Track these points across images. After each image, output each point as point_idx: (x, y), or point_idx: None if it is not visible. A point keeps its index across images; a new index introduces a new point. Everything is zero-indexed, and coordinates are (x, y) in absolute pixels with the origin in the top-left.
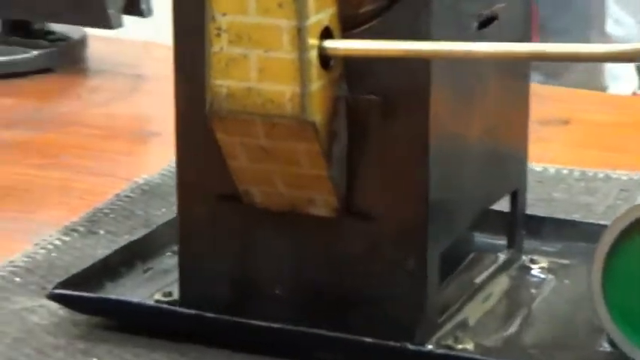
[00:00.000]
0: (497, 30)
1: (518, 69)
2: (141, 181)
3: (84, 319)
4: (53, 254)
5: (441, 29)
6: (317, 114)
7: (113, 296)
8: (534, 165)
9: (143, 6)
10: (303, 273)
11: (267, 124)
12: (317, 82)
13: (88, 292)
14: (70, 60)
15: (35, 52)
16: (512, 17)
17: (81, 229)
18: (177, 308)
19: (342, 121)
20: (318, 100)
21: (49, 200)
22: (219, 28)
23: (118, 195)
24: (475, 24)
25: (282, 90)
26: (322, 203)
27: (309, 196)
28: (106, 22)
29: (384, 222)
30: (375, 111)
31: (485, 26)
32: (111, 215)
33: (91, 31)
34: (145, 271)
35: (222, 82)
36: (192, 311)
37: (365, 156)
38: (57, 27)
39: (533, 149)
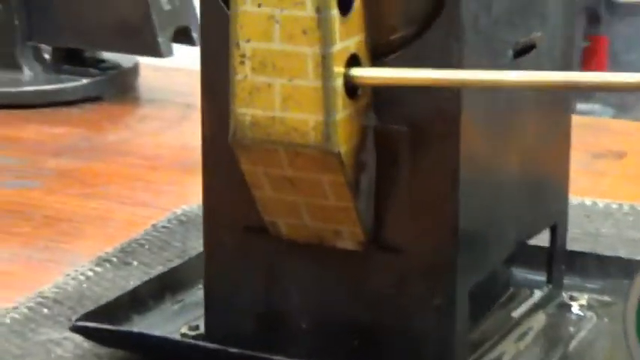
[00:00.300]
0: (536, 59)
1: (558, 99)
2: (179, 212)
3: (108, 352)
4: (84, 285)
5: (474, 57)
6: (342, 144)
7: (136, 329)
8: (584, 199)
9: (193, 35)
10: (330, 307)
11: (291, 154)
12: (342, 112)
13: (112, 324)
14: (120, 88)
15: (85, 81)
16: (552, 47)
17: (114, 260)
18: (200, 342)
19: (369, 152)
20: (343, 129)
21: (87, 231)
22: (243, 55)
23: (154, 226)
24: (511, 52)
25: (305, 119)
26: (349, 236)
27: (335, 228)
28: (156, 51)
29: (412, 256)
30: (404, 141)
31: (523, 55)
32: (146, 246)
33: (142, 60)
34: (175, 304)
35: (246, 111)
36: (216, 346)
37: (393, 188)
38: (109, 55)
39: (585, 183)
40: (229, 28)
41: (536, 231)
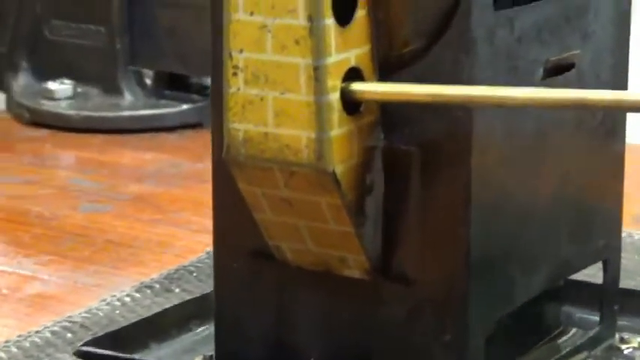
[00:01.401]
0: (577, 79)
1: (608, 122)
2: None
3: None
4: (117, 311)
5: (490, 74)
6: (338, 163)
7: (142, 357)
8: None
9: None
10: (338, 339)
11: (286, 173)
12: (339, 129)
13: (124, 351)
14: None
15: (185, 107)
16: (598, 66)
17: (156, 286)
18: None
19: (377, 174)
20: (340, 147)
21: (144, 256)
22: (236, 67)
23: (208, 252)
24: (541, 71)
25: (298, 135)
26: (354, 264)
27: (340, 255)
28: None
29: (422, 287)
30: (414, 163)
31: (557, 74)
32: (194, 274)
33: None
34: (200, 333)
35: (239, 126)
36: None
37: (402, 212)
38: None
39: None
40: (223, 38)
41: (579, 267)
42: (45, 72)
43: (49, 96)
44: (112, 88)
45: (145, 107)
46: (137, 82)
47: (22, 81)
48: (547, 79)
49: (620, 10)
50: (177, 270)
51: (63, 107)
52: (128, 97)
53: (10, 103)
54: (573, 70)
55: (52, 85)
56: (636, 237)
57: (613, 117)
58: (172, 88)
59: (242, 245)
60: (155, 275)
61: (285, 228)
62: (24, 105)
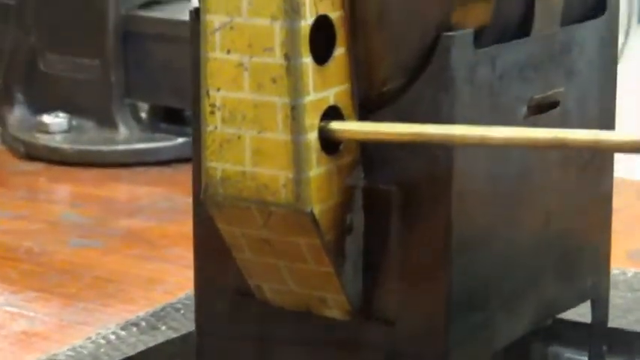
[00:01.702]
0: (561, 118)
1: (595, 159)
2: None
3: None
4: (101, 349)
5: (472, 113)
6: (317, 203)
7: None
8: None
9: None
10: None
11: (264, 213)
12: (317, 168)
13: None
14: None
15: (180, 140)
16: (583, 104)
17: (143, 323)
18: None
19: (357, 213)
20: (318, 187)
21: (133, 293)
22: (213, 105)
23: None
24: (523, 109)
25: (276, 175)
26: (334, 304)
27: (320, 295)
28: None
29: (402, 328)
30: (394, 203)
31: (541, 112)
32: (181, 311)
33: None
34: None
35: (217, 165)
36: None
37: (382, 253)
38: None
39: None
40: (199, 76)
41: (566, 307)
42: (40, 105)
43: (44, 129)
44: (107, 122)
45: (139, 141)
46: (132, 115)
47: (17, 114)
48: (531, 118)
49: (605, 48)
50: (164, 307)
51: (58, 141)
52: (123, 131)
53: (6, 136)
54: (558, 109)
55: (47, 119)
56: (629, 274)
57: (600, 154)
58: (167, 121)
59: (223, 284)
60: (142, 312)
61: (265, 268)
62: (19, 139)
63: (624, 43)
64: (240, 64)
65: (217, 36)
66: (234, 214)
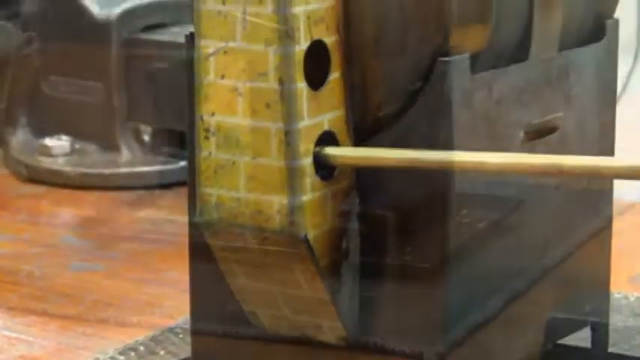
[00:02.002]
0: (560, 143)
1: (595, 184)
2: None
3: None
4: None
5: (470, 138)
6: (311, 229)
7: None
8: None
9: None
10: None
11: (259, 239)
12: (312, 194)
13: None
14: None
15: (182, 163)
16: (582, 129)
17: (141, 348)
18: None
19: (352, 239)
20: (313, 213)
21: (132, 317)
22: (207, 130)
23: None
24: (521, 135)
25: (270, 201)
26: (330, 331)
27: (315, 321)
28: None
29: (398, 355)
30: (390, 229)
31: (539, 138)
32: (180, 335)
33: None
34: None
35: (212, 190)
36: None
37: (378, 279)
38: None
39: None
40: (194, 100)
41: (565, 333)
42: (43, 128)
43: (47, 152)
44: (109, 145)
45: (142, 164)
46: (135, 138)
47: (20, 137)
48: (529, 143)
49: (604, 72)
50: (163, 332)
51: (60, 164)
52: (126, 154)
53: (8, 159)
54: (556, 134)
55: (49, 142)
56: (632, 299)
57: (599, 179)
58: (170, 144)
59: (218, 309)
60: (140, 337)
61: (260, 294)
62: (22, 162)
63: (633, 66)
64: (235, 89)
65: (211, 61)
66: (229, 240)
